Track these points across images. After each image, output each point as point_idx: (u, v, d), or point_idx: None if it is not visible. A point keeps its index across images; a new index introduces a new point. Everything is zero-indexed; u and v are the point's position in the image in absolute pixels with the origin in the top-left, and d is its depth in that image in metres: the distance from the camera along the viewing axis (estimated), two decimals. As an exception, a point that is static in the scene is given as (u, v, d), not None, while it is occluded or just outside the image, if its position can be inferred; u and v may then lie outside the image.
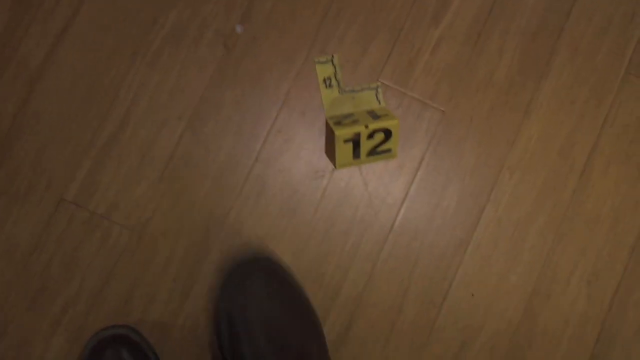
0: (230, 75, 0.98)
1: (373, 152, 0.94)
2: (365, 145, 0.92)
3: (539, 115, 0.99)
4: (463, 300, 0.99)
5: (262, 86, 0.99)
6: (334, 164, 0.95)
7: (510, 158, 0.98)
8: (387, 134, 0.92)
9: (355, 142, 0.92)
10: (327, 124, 0.98)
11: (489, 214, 0.98)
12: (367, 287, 0.99)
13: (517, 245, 0.98)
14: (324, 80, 0.99)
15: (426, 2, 1.00)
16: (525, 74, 0.99)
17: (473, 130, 0.99)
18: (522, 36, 1.00)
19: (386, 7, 1.00)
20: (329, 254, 0.98)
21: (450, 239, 0.98)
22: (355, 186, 0.98)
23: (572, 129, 0.99)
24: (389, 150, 0.94)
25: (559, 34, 1.00)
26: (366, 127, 0.90)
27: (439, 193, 0.98)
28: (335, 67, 0.99)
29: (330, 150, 0.96)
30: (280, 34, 1.00)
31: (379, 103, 0.99)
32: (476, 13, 1.00)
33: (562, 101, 0.99)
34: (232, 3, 1.00)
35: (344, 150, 0.92)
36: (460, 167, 0.98)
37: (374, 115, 0.95)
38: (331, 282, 0.99)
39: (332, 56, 1.00)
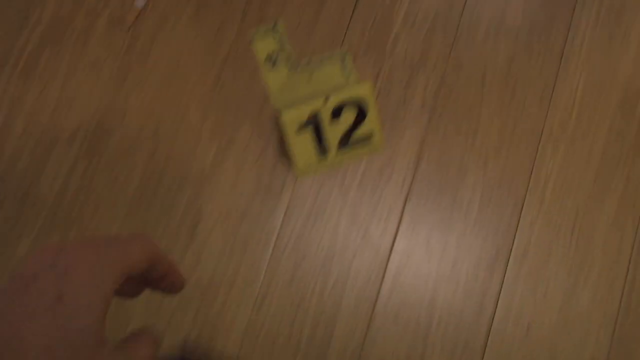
0: (136, 73, 0.79)
1: (346, 141, 0.72)
2: (332, 132, 0.71)
3: (581, 58, 0.78)
4: (515, 338, 0.76)
5: (180, 80, 0.79)
6: (294, 170, 0.74)
7: (549, 123, 0.76)
8: (361, 108, 0.71)
9: (316, 129, 0.70)
10: (277, 116, 0.78)
11: (531, 206, 0.76)
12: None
13: (581, 247, 0.76)
14: (268, 58, 0.78)
15: None
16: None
17: (489, 88, 0.77)
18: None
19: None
20: (302, 299, 0.76)
21: (482, 253, 0.75)
22: (334, 202, 0.76)
23: (630, 68, 0.77)
24: (368, 137, 0.72)
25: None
26: (326, 100, 0.69)
27: (453, 186, 0.75)
28: (280, 38, 0.79)
29: (287, 152, 0.76)
30: (198, 7, 0.81)
31: (348, 77, 0.77)
32: None
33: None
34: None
35: (301, 145, 0.71)
36: (483, 146, 0.76)
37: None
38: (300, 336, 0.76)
39: (275, 23, 0.78)
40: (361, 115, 0.71)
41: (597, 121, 0.75)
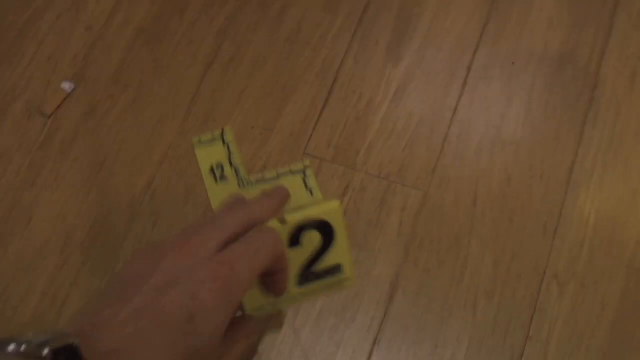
0: (52, 170, 0.67)
1: (307, 274, 0.58)
2: (290, 263, 0.57)
3: (592, 184, 0.66)
4: None
5: (103, 182, 0.67)
6: (242, 307, 0.59)
7: (554, 260, 0.62)
8: (326, 233, 0.57)
9: (272, 259, 0.61)
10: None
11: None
12: None
13: None
14: (212, 170, 0.67)
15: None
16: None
17: (481, 214, 0.64)
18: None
19: (308, 36, 0.71)
20: None
21: None
22: (284, 342, 0.62)
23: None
24: (336, 269, 0.59)
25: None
26: (282, 221, 0.56)
27: (433, 332, 0.61)
28: (228, 147, 0.67)
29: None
30: (135, 97, 0.70)
31: (311, 193, 0.66)
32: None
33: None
34: (57, 60, 0.71)
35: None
36: (472, 285, 0.63)
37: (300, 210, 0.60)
38: None
39: (222, 130, 0.68)
40: (327, 242, 0.57)
41: (613, 261, 0.63)
